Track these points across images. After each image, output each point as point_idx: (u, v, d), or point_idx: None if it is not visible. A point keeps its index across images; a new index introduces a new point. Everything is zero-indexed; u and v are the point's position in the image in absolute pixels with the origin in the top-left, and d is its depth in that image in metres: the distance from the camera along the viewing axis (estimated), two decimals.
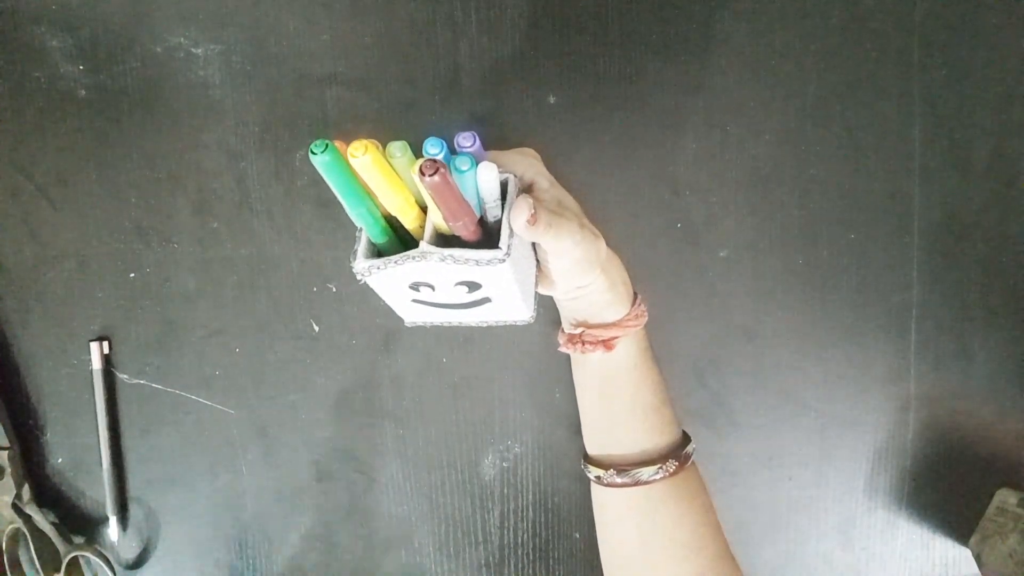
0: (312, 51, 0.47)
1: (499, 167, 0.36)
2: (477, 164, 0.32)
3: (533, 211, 0.33)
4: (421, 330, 0.43)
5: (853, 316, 0.49)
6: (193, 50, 0.48)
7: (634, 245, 0.48)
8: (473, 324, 0.41)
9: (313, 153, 0.29)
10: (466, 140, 0.32)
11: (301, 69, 0.48)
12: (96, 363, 0.49)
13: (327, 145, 0.29)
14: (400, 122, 0.48)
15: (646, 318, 0.42)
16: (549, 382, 0.49)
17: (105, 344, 0.49)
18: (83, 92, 0.48)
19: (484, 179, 0.32)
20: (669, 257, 0.48)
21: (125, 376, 0.50)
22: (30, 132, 0.48)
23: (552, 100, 0.47)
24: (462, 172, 0.31)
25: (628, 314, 0.41)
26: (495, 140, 0.47)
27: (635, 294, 0.43)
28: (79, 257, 0.49)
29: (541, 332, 0.48)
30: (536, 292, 0.40)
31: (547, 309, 0.47)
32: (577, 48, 0.47)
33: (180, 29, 0.48)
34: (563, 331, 0.43)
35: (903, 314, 0.49)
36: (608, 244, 0.40)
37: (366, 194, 0.32)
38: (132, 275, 0.49)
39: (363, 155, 0.29)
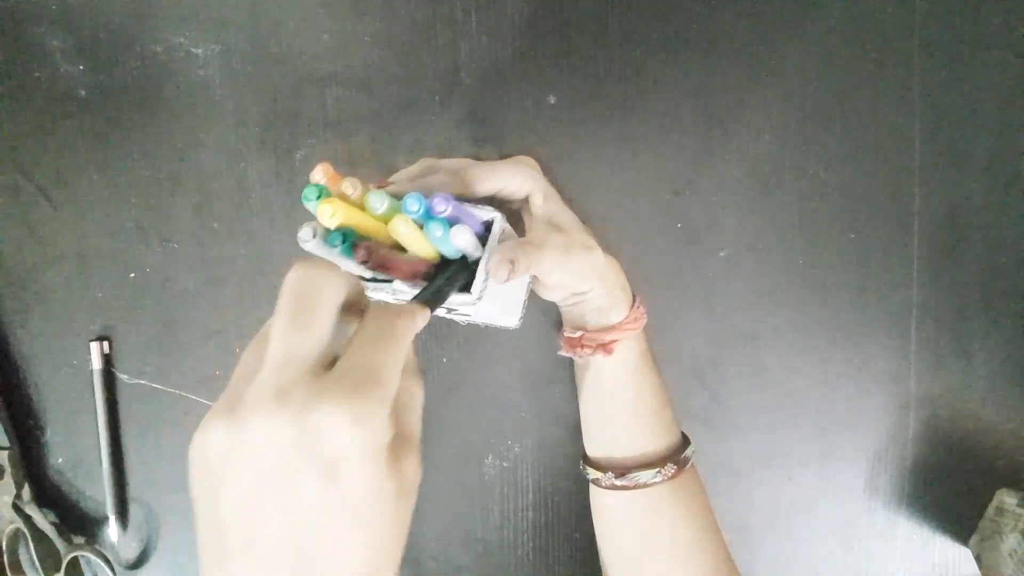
0: (312, 51, 0.47)
1: (495, 180, 0.36)
2: (451, 226, 0.32)
3: (512, 266, 0.32)
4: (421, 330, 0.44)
5: (853, 316, 0.49)
6: (193, 50, 0.48)
7: (634, 245, 0.48)
8: (461, 323, 0.42)
9: (307, 199, 0.30)
10: (440, 204, 0.31)
11: (301, 69, 0.48)
12: (96, 363, 0.49)
13: (321, 191, 0.30)
14: (400, 122, 0.48)
15: (645, 320, 0.42)
16: (549, 382, 0.49)
17: (105, 344, 0.49)
18: (83, 92, 0.48)
19: (460, 242, 0.32)
20: (669, 257, 0.48)
21: (125, 376, 0.50)
22: (30, 132, 0.48)
23: (552, 100, 0.47)
24: (435, 238, 0.31)
25: (627, 317, 0.41)
26: (495, 140, 0.47)
27: (633, 296, 0.43)
28: (79, 257, 0.49)
29: (541, 333, 0.48)
30: (526, 301, 0.40)
31: (549, 311, 0.47)
32: (577, 48, 0.47)
33: (180, 29, 0.47)
34: (564, 335, 0.43)
35: (903, 314, 0.49)
36: (608, 244, 0.39)
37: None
38: (132, 275, 0.49)
39: (331, 218, 0.30)
